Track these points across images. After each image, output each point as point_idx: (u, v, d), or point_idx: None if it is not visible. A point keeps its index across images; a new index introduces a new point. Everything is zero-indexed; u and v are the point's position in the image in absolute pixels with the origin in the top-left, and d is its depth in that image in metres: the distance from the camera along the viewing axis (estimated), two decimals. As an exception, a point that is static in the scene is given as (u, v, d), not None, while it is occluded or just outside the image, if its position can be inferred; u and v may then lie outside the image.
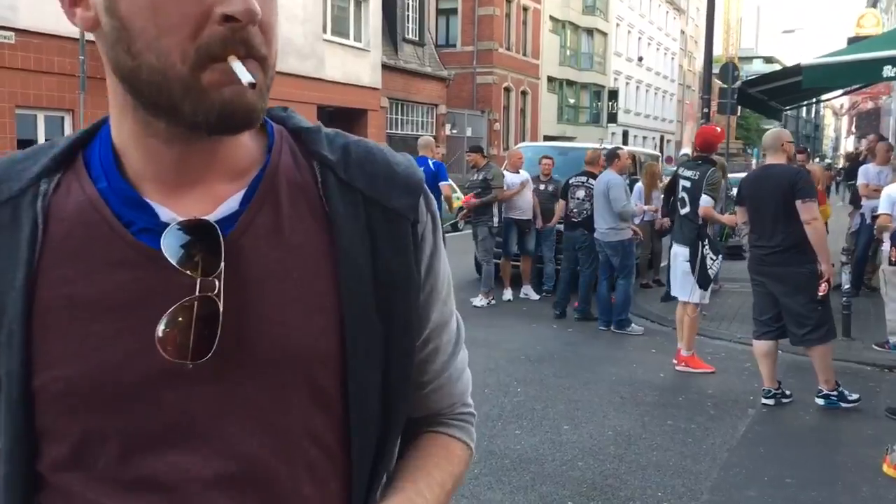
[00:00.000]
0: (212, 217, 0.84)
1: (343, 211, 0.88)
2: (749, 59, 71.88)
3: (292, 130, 0.94)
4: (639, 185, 10.54)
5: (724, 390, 6.07)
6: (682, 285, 6.62)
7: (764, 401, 5.68)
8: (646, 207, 10.45)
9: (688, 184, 6.63)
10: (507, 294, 10.05)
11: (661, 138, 53.18)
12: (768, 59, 77.21)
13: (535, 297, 10.11)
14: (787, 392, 5.75)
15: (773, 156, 5.57)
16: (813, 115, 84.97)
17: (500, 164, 10.27)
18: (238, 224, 0.84)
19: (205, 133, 0.81)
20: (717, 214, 6.65)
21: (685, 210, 6.60)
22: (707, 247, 6.43)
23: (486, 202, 9.46)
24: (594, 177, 8.65)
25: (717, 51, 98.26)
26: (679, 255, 6.67)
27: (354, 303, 0.86)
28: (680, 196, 6.72)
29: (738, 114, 24.93)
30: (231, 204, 0.86)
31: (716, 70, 17.63)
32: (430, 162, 9.07)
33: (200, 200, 0.85)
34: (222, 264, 0.81)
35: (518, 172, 10.04)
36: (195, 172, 0.85)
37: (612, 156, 8.32)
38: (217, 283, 0.80)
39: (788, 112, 20.66)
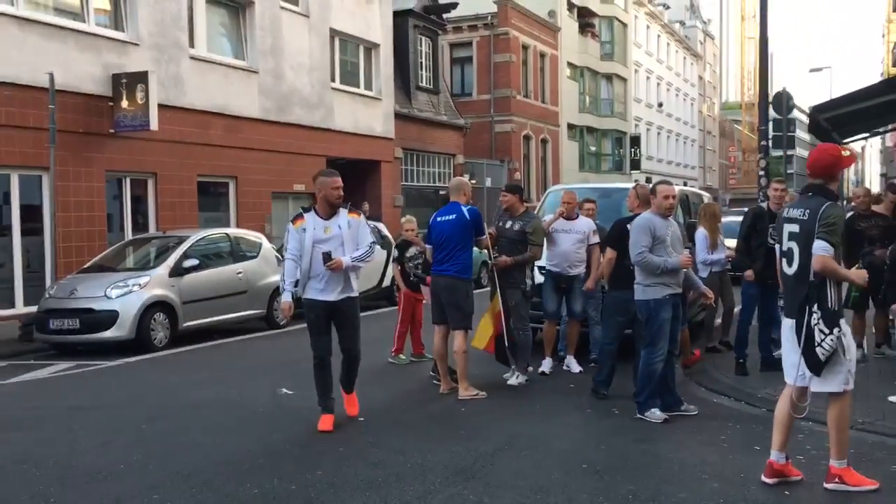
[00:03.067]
0: None
1: None
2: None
3: None
4: (701, 231, 8.74)
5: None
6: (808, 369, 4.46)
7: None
8: (711, 256, 8.66)
9: (795, 228, 4.57)
10: (546, 365, 8.20)
11: (685, 185, 51.46)
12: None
13: (577, 369, 8.23)
14: None
15: None
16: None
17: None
18: None
19: None
20: (840, 268, 4.53)
21: (793, 268, 4.57)
22: (817, 314, 4.37)
23: (520, 262, 7.61)
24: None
25: (732, 97, 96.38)
26: (791, 328, 4.58)
27: None
28: (786, 247, 4.65)
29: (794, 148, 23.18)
30: None
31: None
32: (465, 209, 7.21)
33: None
34: None
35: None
36: None
37: (652, 192, 6.46)
38: None
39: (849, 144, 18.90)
